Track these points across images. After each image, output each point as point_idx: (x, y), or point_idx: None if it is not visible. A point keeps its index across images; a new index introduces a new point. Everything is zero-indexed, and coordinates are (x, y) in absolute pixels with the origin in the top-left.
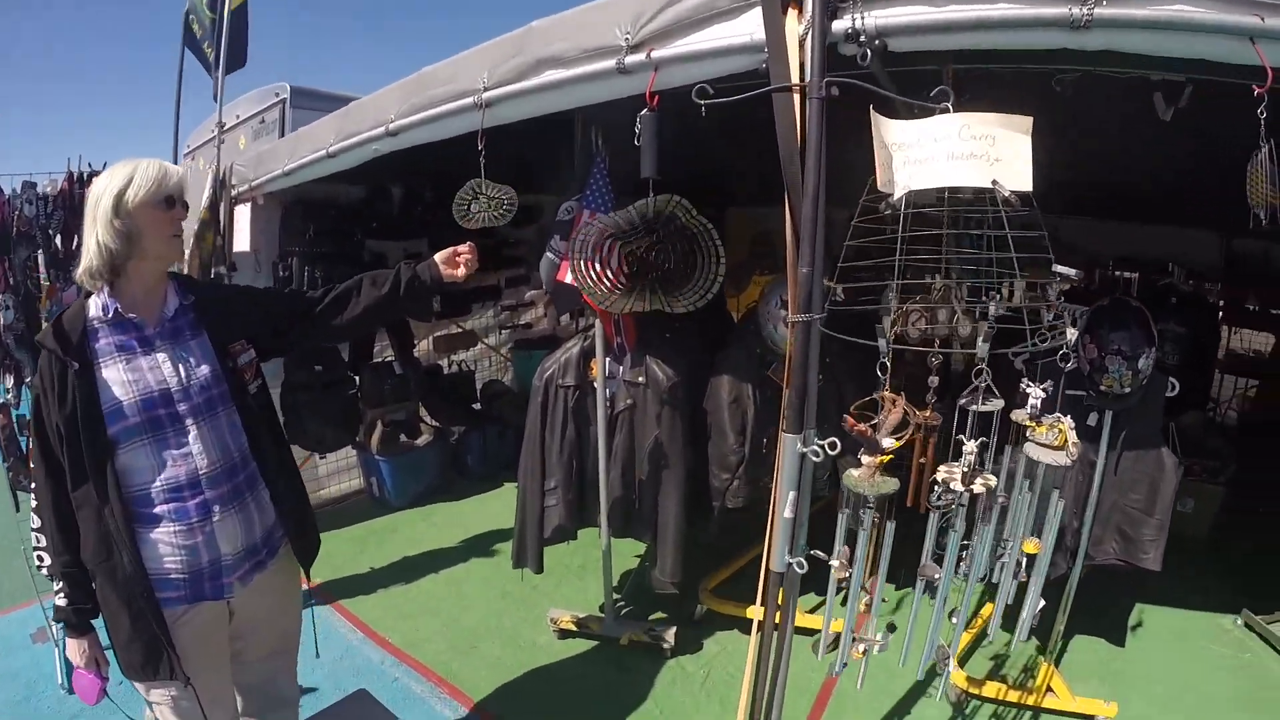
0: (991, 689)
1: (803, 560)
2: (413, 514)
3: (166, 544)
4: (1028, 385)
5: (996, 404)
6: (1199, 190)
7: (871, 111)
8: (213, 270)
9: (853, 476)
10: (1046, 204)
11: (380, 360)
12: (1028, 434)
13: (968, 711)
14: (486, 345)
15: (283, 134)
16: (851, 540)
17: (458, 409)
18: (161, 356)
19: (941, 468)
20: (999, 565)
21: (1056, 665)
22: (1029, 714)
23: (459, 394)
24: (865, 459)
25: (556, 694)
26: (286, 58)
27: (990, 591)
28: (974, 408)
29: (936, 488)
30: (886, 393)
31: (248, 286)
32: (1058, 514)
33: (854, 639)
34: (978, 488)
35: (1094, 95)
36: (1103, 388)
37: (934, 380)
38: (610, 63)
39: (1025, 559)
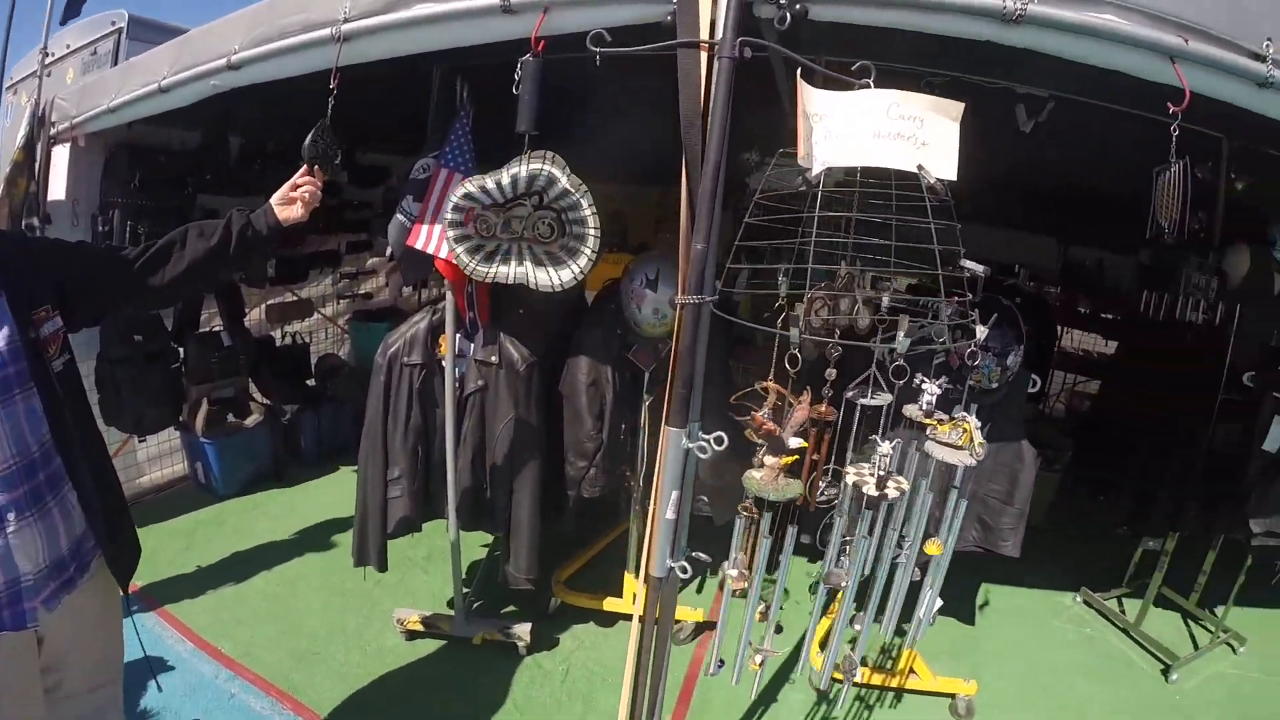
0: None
1: (685, 564)
2: (242, 503)
3: None
4: (923, 381)
5: (885, 398)
6: (1043, 199)
7: (798, 77)
8: (23, 222)
9: (754, 479)
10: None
11: (207, 330)
12: (929, 432)
13: (833, 696)
14: (323, 315)
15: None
16: (748, 546)
17: (291, 386)
18: None
19: (850, 469)
20: (893, 565)
21: (915, 647)
22: (892, 695)
23: (292, 369)
24: (768, 460)
25: (409, 700)
26: None
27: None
28: (862, 401)
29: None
30: (771, 383)
31: (56, 240)
32: (958, 514)
33: (752, 649)
34: (891, 491)
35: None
36: (970, 383)
37: (831, 373)
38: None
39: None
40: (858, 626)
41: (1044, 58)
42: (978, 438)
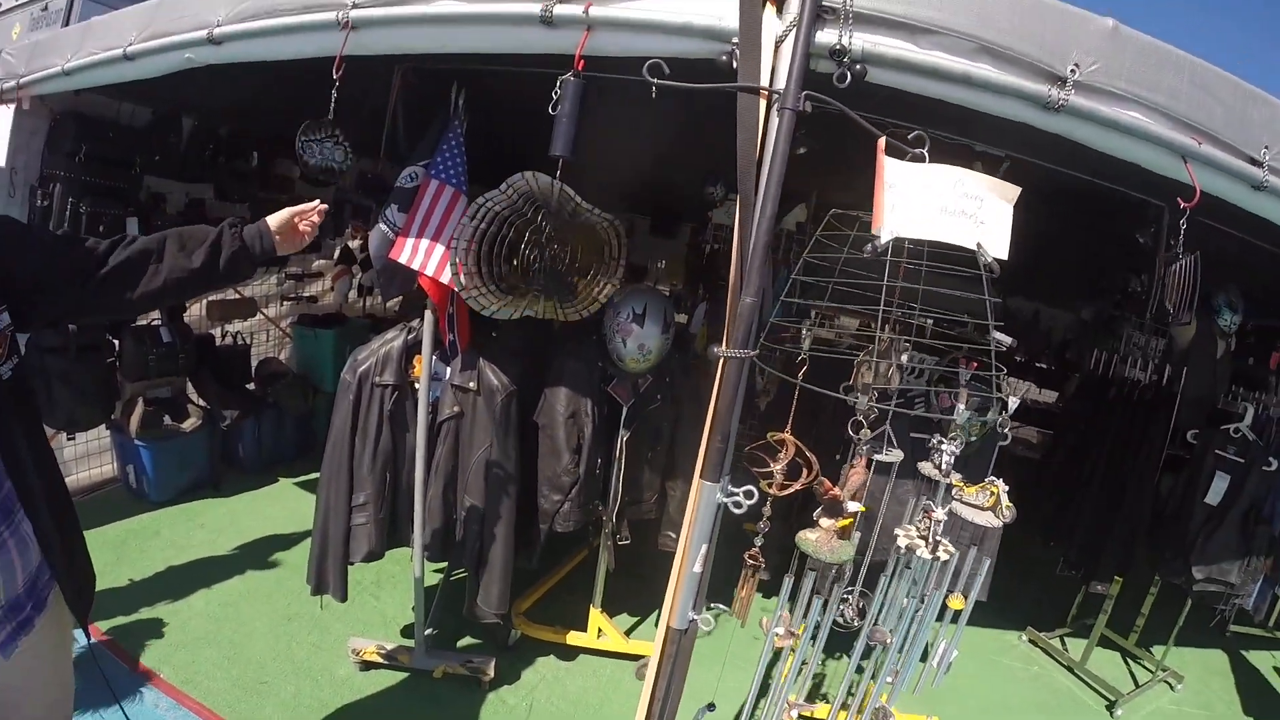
0: (823, 710)
1: (709, 617)
2: (176, 513)
3: None
4: (940, 441)
5: (896, 455)
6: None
7: (879, 147)
8: None
9: (809, 540)
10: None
11: (145, 324)
12: (954, 494)
13: None
14: (266, 317)
15: (68, 26)
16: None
17: (230, 390)
18: None
19: (899, 531)
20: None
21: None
22: None
23: (232, 372)
24: (824, 521)
25: None
26: None
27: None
28: (878, 456)
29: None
30: (788, 436)
31: (5, 217)
32: (982, 571)
33: (788, 705)
34: (942, 555)
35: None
36: (950, 435)
37: (866, 434)
38: (534, 7)
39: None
40: (890, 679)
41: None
42: (1005, 500)
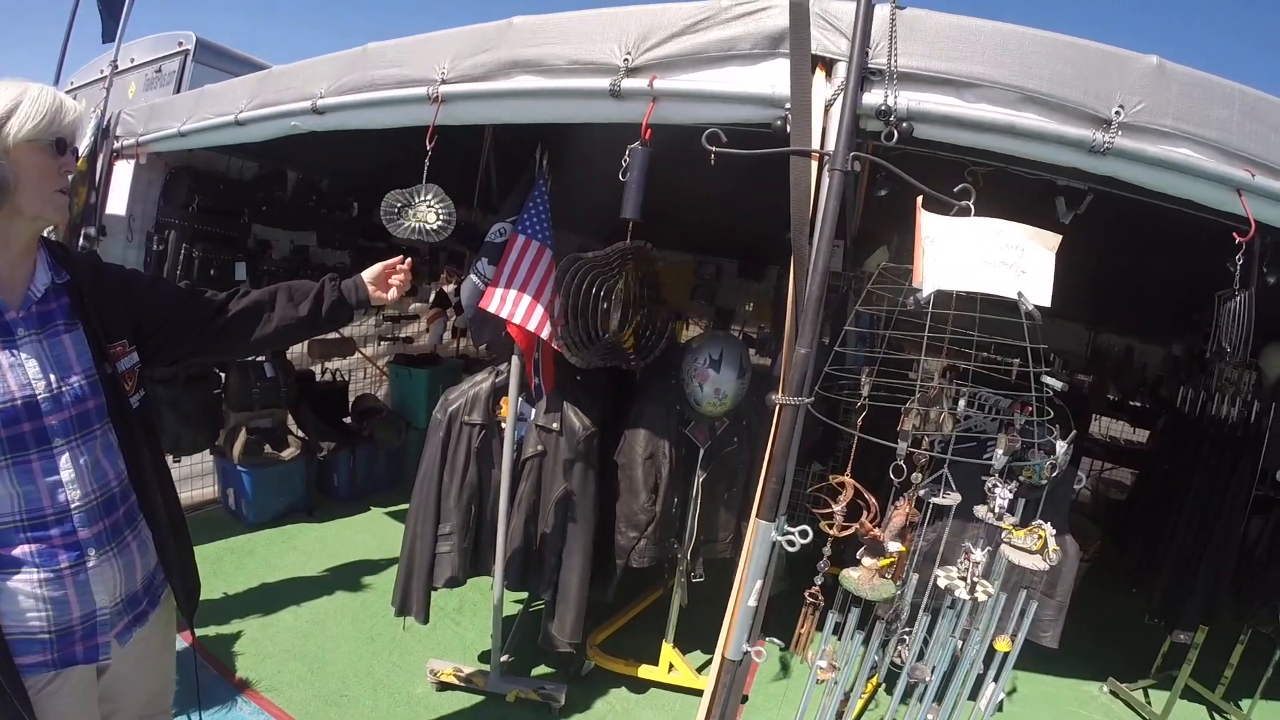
0: None
1: (761, 649)
2: (272, 534)
3: (29, 595)
4: (996, 484)
5: (954, 498)
6: (1075, 286)
7: (918, 204)
8: (81, 232)
9: (851, 579)
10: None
11: (250, 359)
12: (1003, 536)
13: None
14: (364, 355)
15: (179, 89)
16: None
17: (328, 423)
18: (25, 353)
19: (939, 571)
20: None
21: None
22: None
23: (331, 406)
24: (866, 561)
25: None
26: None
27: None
28: (935, 500)
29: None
30: (848, 478)
31: (135, 271)
32: (1029, 613)
33: None
34: (980, 596)
35: (1002, 190)
36: (1021, 478)
37: (917, 477)
38: (603, 82)
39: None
40: (931, 717)
41: None
42: (1052, 544)
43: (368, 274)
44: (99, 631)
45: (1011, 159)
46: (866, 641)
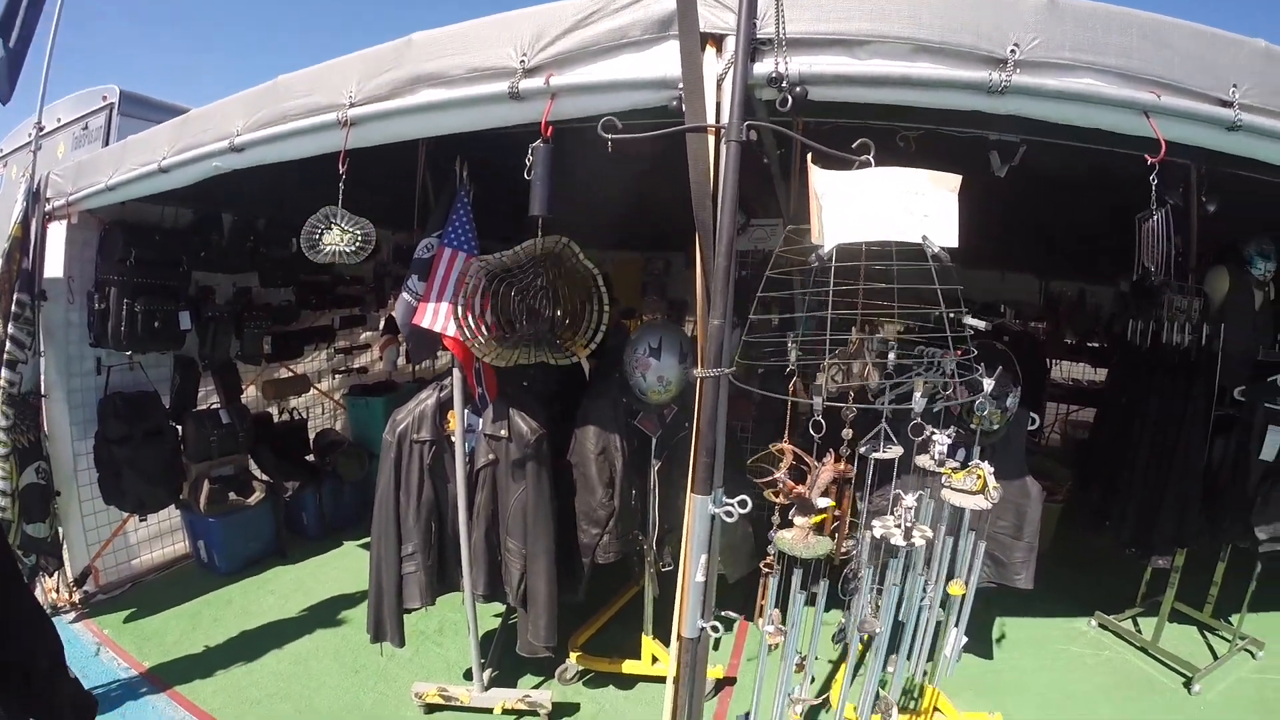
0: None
1: (716, 624)
2: (248, 583)
3: None
4: (934, 432)
5: (896, 450)
6: (1021, 238)
7: (808, 161)
8: (14, 297)
9: (785, 539)
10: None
11: (204, 408)
12: (944, 480)
13: None
14: (319, 391)
15: (107, 143)
16: (783, 603)
17: (290, 462)
18: None
19: (875, 522)
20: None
21: (937, 684)
22: None
23: (291, 446)
24: (798, 520)
25: None
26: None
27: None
28: (876, 455)
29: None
30: (786, 445)
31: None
32: (977, 554)
33: (791, 700)
34: (918, 540)
35: (935, 151)
36: (972, 426)
37: (848, 433)
38: (502, 86)
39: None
40: (890, 669)
41: None
42: (991, 482)
43: None
44: None
45: (935, 117)
46: (811, 602)
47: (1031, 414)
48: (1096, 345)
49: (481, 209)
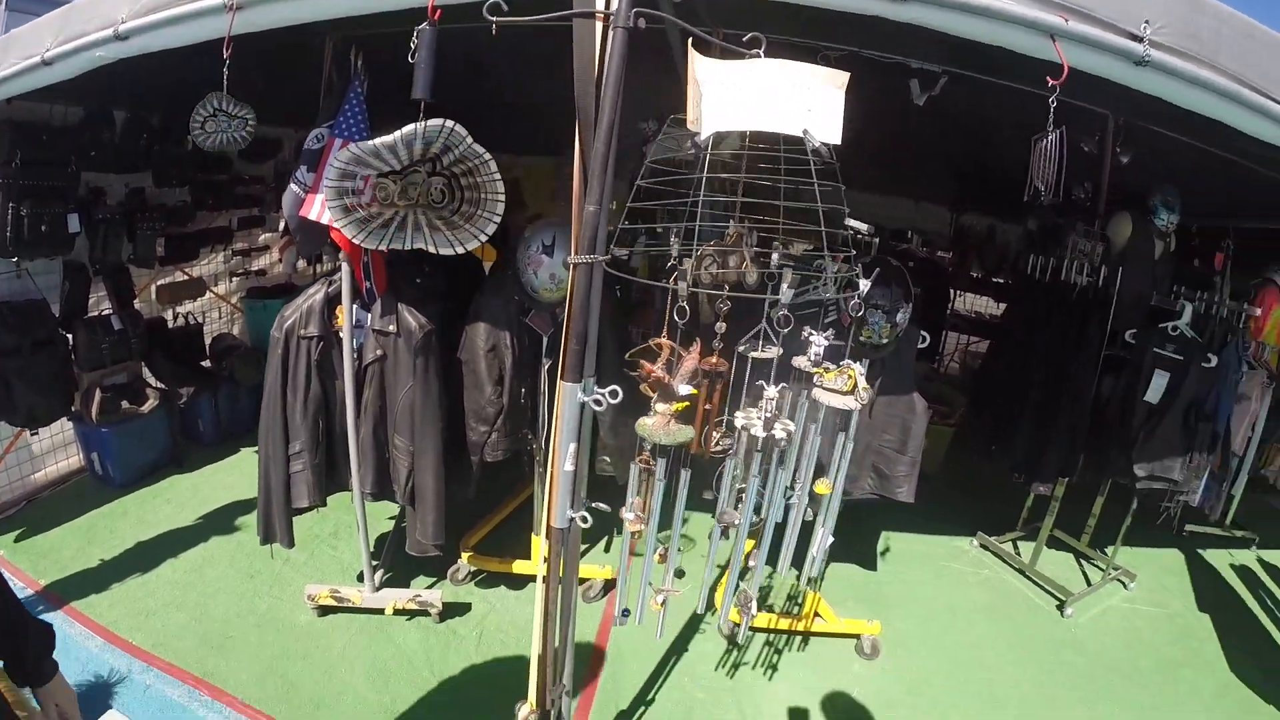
0: (763, 619)
1: (586, 514)
2: (143, 493)
3: None
4: (810, 333)
5: (774, 350)
6: (936, 169)
7: (689, 46)
8: None
9: (646, 425)
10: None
11: (95, 315)
12: (815, 379)
13: (741, 642)
14: (216, 294)
15: None
16: (645, 491)
17: (185, 368)
18: None
19: (739, 413)
20: (786, 506)
21: (819, 591)
22: (800, 639)
23: (186, 351)
24: (659, 407)
25: (327, 677)
26: None
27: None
28: (753, 354)
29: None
30: (664, 339)
31: None
32: (845, 455)
33: (653, 590)
34: (779, 433)
35: (856, 76)
36: (861, 338)
37: (721, 326)
38: None
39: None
40: (752, 563)
41: (935, 34)
42: (862, 383)
43: None
44: None
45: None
46: (669, 492)
47: (923, 332)
48: (1001, 281)
49: (387, 112)
